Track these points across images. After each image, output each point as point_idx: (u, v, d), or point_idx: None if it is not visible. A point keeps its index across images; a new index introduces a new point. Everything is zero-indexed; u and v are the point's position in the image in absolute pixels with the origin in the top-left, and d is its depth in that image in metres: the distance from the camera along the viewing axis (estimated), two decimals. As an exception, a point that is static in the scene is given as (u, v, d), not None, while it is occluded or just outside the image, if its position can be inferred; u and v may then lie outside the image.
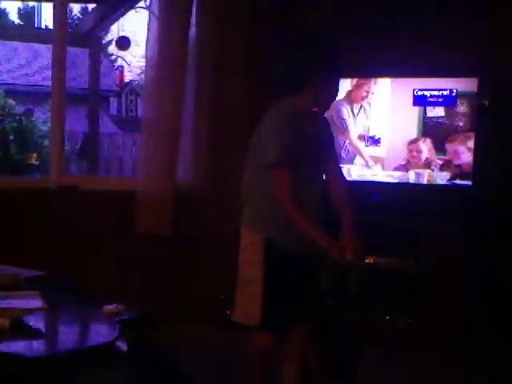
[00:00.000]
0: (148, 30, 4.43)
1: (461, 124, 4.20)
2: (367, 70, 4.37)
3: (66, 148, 5.44)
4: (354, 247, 2.61)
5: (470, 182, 4.16)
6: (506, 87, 4.14)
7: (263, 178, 2.71)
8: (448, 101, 4.17)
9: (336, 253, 2.60)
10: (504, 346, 3.90)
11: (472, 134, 4.16)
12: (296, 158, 2.64)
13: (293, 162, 2.64)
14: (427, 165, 4.25)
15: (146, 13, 4.60)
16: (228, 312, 4.44)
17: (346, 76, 4.38)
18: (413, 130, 4.29)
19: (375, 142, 4.35)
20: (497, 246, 4.16)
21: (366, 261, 4.01)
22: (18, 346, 2.28)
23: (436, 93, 4.18)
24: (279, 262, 2.70)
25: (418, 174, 4.25)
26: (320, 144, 2.78)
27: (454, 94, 4.15)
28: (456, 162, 4.20)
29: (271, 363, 2.85)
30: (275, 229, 2.71)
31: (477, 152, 4.13)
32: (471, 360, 3.83)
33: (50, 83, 4.49)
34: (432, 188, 4.24)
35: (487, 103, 4.11)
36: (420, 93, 4.21)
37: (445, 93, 4.16)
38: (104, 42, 11.81)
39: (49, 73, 4.49)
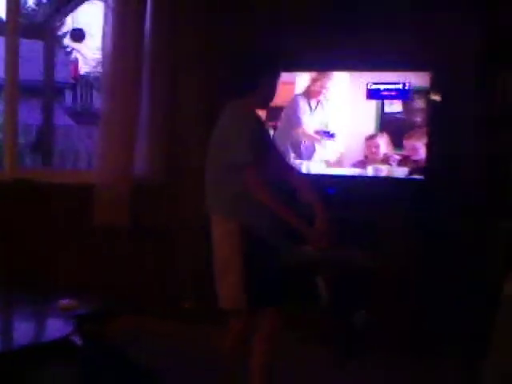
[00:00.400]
0: (104, 22, 4.40)
1: (418, 119, 4.23)
2: (324, 64, 4.39)
3: (20, 141, 5.38)
4: (327, 231, 2.90)
5: (422, 177, 4.20)
6: (459, 82, 4.18)
7: (232, 174, 2.93)
8: (402, 95, 4.20)
9: (311, 236, 2.91)
10: (461, 338, 3.95)
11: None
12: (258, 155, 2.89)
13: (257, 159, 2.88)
14: (385, 160, 4.27)
15: (100, 5, 4.57)
16: (186, 305, 4.49)
17: (303, 70, 4.42)
18: (371, 126, 4.31)
19: (330, 136, 4.36)
20: (448, 238, 4.22)
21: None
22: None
23: (389, 86, 4.22)
24: (256, 246, 2.92)
25: (376, 170, 4.28)
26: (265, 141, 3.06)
27: (407, 88, 4.18)
28: (414, 158, 4.23)
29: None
30: (250, 217, 2.93)
31: (429, 147, 4.17)
32: (427, 353, 3.90)
33: (2, 75, 4.43)
34: (387, 181, 4.28)
35: (440, 98, 4.15)
36: (374, 86, 4.24)
37: (398, 86, 4.19)
38: (59, 33, 11.67)
39: (1, 64, 4.42)
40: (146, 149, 4.56)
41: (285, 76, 3.19)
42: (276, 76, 3.12)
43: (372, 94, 4.25)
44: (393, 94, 4.22)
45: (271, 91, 3.11)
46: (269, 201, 2.88)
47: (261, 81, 3.05)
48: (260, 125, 3.08)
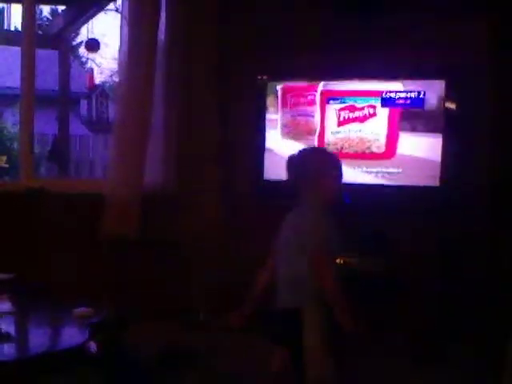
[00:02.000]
0: (120, 32, 4.43)
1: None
2: (336, 73, 4.41)
3: (35, 151, 5.41)
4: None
5: (437, 183, 4.20)
6: (474, 90, 4.18)
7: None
8: (416, 103, 4.21)
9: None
10: (478, 345, 3.94)
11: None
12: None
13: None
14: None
15: (115, 15, 4.61)
16: (200, 315, 4.50)
17: (316, 79, 4.43)
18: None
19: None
20: (463, 245, 4.22)
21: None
22: (-13, 350, 2.28)
23: (404, 95, 4.23)
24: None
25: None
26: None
27: (421, 97, 4.19)
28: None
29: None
30: None
31: (444, 155, 4.17)
32: (443, 359, 3.89)
33: (18, 85, 4.46)
34: (400, 188, 4.28)
35: (454, 106, 4.15)
36: (388, 95, 4.25)
37: (413, 95, 4.20)
38: (74, 43, 11.75)
39: (18, 75, 4.46)
40: (159, 159, 4.56)
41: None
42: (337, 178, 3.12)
43: (386, 102, 4.26)
44: (407, 102, 4.22)
45: (331, 191, 3.10)
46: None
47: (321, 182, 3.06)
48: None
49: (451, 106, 4.16)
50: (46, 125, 8.55)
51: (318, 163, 3.15)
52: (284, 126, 4.54)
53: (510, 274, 3.95)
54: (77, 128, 10.49)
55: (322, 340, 2.90)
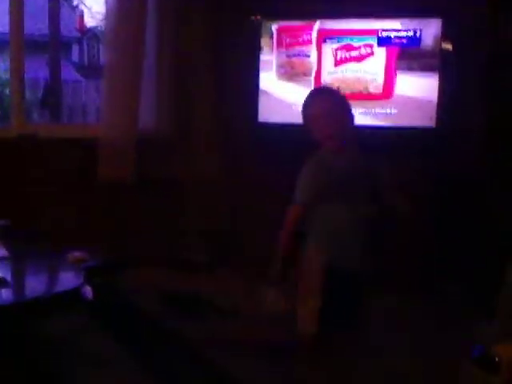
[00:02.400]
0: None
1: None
2: (332, 12, 4.34)
3: (27, 97, 5.35)
4: None
5: (433, 125, 4.16)
6: (471, 28, 4.13)
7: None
8: (413, 42, 4.14)
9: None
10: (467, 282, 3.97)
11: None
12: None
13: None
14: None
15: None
16: (194, 257, 4.51)
17: (312, 18, 4.36)
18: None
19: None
20: (456, 188, 4.21)
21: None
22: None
23: (400, 34, 4.16)
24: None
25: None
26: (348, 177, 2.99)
27: (418, 36, 4.13)
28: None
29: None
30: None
31: (441, 95, 4.12)
32: (432, 293, 3.93)
33: (7, 30, 4.37)
34: (396, 129, 4.24)
35: (451, 45, 4.10)
36: (385, 34, 4.18)
37: (409, 34, 4.14)
38: (63, -13, 11.53)
39: (6, 19, 4.36)
40: (152, 102, 4.52)
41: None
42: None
43: (383, 41, 4.19)
44: (404, 41, 4.15)
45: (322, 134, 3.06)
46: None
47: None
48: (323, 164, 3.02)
49: (448, 45, 4.10)
50: (37, 70, 8.46)
51: (308, 108, 3.14)
52: (279, 66, 4.47)
53: (504, 214, 3.95)
54: (68, 73, 10.37)
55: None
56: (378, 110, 4.26)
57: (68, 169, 4.37)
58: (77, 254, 2.90)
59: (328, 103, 3.10)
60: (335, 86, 4.33)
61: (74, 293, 2.39)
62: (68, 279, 2.60)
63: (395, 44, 4.17)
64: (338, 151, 3.03)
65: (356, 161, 3.07)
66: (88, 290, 2.54)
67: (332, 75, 4.36)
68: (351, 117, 3.11)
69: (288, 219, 3.01)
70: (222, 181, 4.55)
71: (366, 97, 4.29)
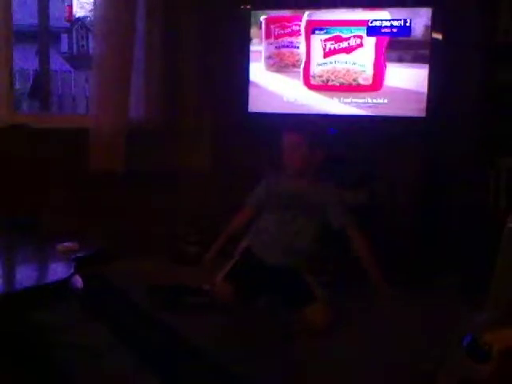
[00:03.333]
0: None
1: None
2: (321, 2, 4.33)
3: (16, 87, 5.33)
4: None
5: (424, 115, 4.16)
6: (460, 18, 4.12)
7: None
8: (402, 31, 4.14)
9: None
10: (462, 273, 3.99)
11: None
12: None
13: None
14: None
15: None
16: (187, 248, 4.51)
17: (301, 7, 4.36)
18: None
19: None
20: (448, 177, 4.22)
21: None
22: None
23: (390, 23, 4.16)
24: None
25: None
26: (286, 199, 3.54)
27: (408, 25, 4.12)
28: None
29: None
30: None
31: (431, 85, 4.12)
32: (428, 286, 3.95)
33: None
34: (386, 120, 4.24)
35: (441, 35, 4.09)
36: (374, 23, 4.18)
37: (399, 23, 4.13)
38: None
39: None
40: (141, 92, 4.52)
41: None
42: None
43: (372, 31, 4.19)
44: (394, 30, 4.15)
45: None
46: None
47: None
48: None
49: (438, 35, 4.10)
50: (26, 61, 8.42)
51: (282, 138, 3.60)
52: (268, 57, 4.47)
53: (496, 203, 3.96)
54: (58, 63, 10.33)
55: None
56: (368, 101, 4.26)
57: (58, 159, 4.36)
58: (67, 245, 2.90)
59: (295, 139, 3.54)
60: (324, 77, 4.33)
61: (64, 283, 2.38)
62: (58, 269, 2.59)
63: (385, 34, 4.17)
64: (292, 176, 3.58)
65: (304, 188, 3.54)
66: (78, 281, 2.53)
67: (321, 67, 4.35)
68: (316, 153, 3.54)
69: (235, 215, 3.72)
70: (212, 171, 4.55)
71: (355, 88, 4.29)
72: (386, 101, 4.22)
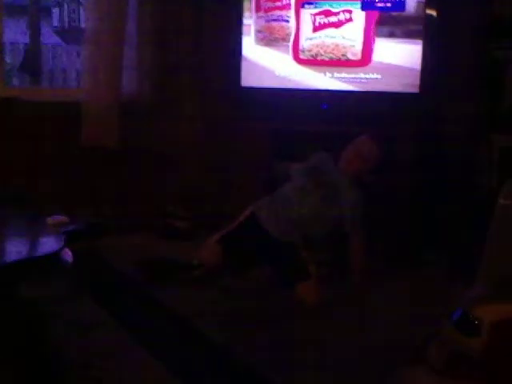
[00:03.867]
0: None
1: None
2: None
3: (7, 61, 5.28)
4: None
5: (417, 90, 4.15)
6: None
7: None
8: (397, 6, 4.11)
9: None
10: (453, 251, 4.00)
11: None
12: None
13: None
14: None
15: None
16: (176, 224, 4.50)
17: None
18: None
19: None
20: (440, 154, 4.21)
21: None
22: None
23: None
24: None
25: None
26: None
27: (402, 0, 4.09)
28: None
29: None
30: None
31: (425, 61, 4.10)
32: (419, 264, 3.97)
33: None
34: (380, 96, 4.22)
35: (436, 11, 4.07)
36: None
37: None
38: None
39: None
40: (133, 67, 4.47)
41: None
42: None
43: (367, 5, 4.15)
44: (388, 5, 4.12)
45: None
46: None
47: None
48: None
49: (431, 10, 4.07)
50: (17, 34, 8.34)
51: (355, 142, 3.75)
52: (258, 31, 4.43)
53: (488, 180, 3.96)
54: (49, 37, 10.24)
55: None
56: (361, 76, 4.24)
57: (49, 133, 4.33)
58: (57, 218, 2.89)
59: (364, 148, 3.67)
60: (314, 51, 4.30)
61: (54, 257, 2.36)
62: (48, 243, 2.57)
63: (379, 8, 4.14)
64: (341, 173, 3.64)
65: (341, 183, 3.59)
66: (68, 254, 2.52)
67: (310, 41, 4.32)
68: (372, 167, 3.68)
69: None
70: (205, 146, 4.54)
71: (344, 63, 4.26)
72: (378, 76, 4.20)
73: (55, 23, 11.50)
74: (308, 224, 3.52)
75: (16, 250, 2.50)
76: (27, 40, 7.88)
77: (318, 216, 3.53)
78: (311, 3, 4.28)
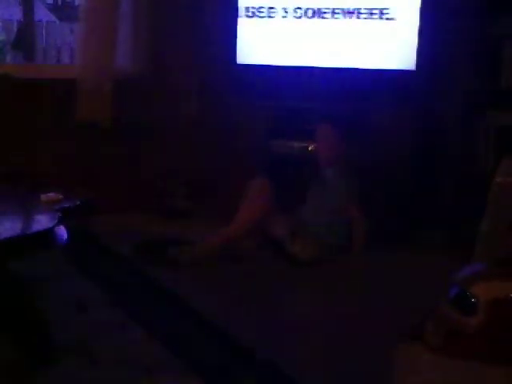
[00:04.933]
0: None
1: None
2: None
3: (1, 39, 5.23)
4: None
5: (414, 68, 4.12)
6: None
7: None
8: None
9: None
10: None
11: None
12: None
13: None
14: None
15: None
16: (175, 203, 4.48)
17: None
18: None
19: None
20: (437, 132, 4.20)
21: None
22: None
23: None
24: None
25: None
26: None
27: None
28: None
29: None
30: None
31: (421, 38, 4.07)
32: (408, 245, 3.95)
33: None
34: (376, 73, 4.19)
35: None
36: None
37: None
38: None
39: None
40: (129, 44, 4.45)
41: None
42: None
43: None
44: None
45: None
46: None
47: None
48: None
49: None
50: (10, 11, 8.26)
51: None
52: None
53: (485, 158, 3.95)
54: (42, 14, 10.16)
55: None
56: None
57: (44, 109, 4.30)
58: (51, 195, 2.86)
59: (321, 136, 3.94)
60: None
61: (48, 234, 2.35)
62: (42, 220, 2.55)
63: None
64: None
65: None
66: (63, 232, 2.50)
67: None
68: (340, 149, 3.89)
69: None
70: (201, 123, 4.51)
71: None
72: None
73: (49, 0, 11.44)
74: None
75: (10, 227, 2.48)
76: (20, 16, 7.80)
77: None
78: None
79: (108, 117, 4.34)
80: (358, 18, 4.18)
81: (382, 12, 4.13)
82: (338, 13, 4.22)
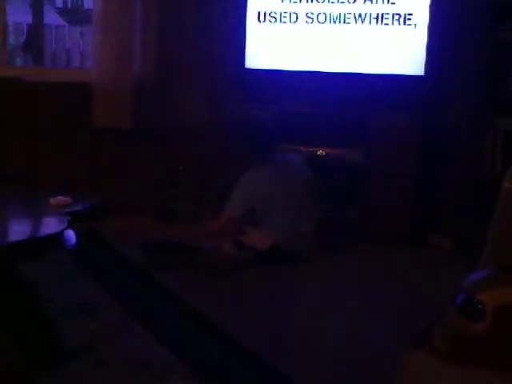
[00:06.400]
0: None
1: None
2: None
3: (10, 41, 5.27)
4: None
5: (422, 73, 4.12)
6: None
7: None
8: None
9: None
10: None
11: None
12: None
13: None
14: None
15: None
16: (179, 206, 4.49)
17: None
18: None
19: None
20: (445, 137, 4.20)
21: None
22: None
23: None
24: None
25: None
26: None
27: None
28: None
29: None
30: None
31: (430, 44, 4.07)
32: (415, 249, 3.96)
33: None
34: (383, 78, 4.20)
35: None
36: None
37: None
38: None
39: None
40: (138, 49, 4.44)
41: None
42: None
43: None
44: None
45: None
46: None
47: None
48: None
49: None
50: (20, 14, 8.30)
51: None
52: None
53: (493, 163, 3.94)
54: (52, 17, 10.21)
55: None
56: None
57: (51, 112, 4.32)
58: (60, 198, 2.88)
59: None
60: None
61: (57, 237, 2.36)
62: (51, 224, 2.56)
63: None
64: None
65: None
66: (72, 236, 2.51)
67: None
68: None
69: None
70: (210, 127, 4.51)
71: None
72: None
73: (58, 4, 11.48)
74: None
75: (20, 230, 2.49)
76: (30, 20, 7.84)
77: None
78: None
79: (127, 120, 4.33)
80: (370, 23, 4.19)
81: (393, 18, 4.15)
82: (349, 18, 4.23)
